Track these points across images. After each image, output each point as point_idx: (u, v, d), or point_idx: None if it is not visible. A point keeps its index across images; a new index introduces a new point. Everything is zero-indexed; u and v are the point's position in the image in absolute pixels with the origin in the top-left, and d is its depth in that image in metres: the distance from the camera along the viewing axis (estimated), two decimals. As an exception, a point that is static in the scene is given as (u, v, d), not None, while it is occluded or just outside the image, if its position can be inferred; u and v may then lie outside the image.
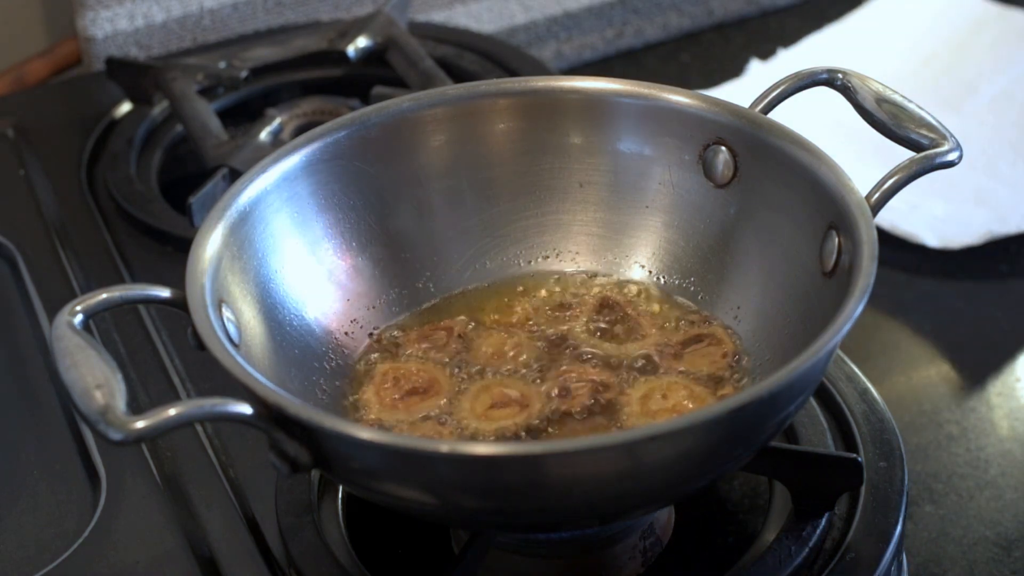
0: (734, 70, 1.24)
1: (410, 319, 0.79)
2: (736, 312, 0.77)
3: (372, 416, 0.73)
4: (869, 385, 0.82)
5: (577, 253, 0.82)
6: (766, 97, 0.77)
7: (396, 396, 0.74)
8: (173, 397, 0.86)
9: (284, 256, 0.75)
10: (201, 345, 0.65)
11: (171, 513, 0.78)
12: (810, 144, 0.73)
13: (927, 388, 0.94)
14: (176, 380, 0.87)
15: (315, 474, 0.76)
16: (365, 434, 0.62)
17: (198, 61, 1.12)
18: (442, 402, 0.73)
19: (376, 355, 0.77)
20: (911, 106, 0.74)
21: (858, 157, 0.90)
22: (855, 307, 0.64)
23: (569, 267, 0.82)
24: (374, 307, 0.79)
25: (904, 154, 0.72)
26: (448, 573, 0.69)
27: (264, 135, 1.06)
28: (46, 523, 0.79)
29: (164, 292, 0.68)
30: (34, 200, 1.06)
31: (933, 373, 0.95)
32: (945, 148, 0.71)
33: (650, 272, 0.80)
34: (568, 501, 0.63)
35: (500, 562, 0.72)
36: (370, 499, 0.70)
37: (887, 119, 0.73)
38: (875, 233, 0.67)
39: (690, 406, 0.71)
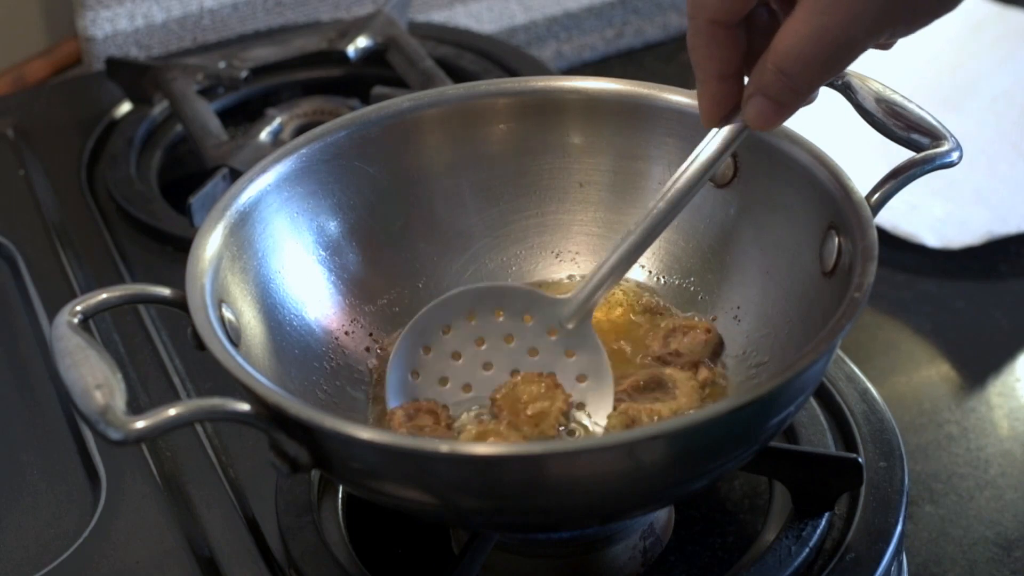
0: (734, 70, 1.24)
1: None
2: (736, 312, 0.76)
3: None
4: (869, 385, 0.82)
5: (577, 253, 0.82)
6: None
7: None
8: (173, 397, 0.86)
9: (284, 256, 0.75)
10: (201, 345, 0.65)
11: (171, 513, 0.78)
12: (810, 144, 0.73)
13: (927, 388, 0.94)
14: (176, 380, 0.87)
15: (315, 474, 0.76)
16: (365, 434, 0.62)
17: (198, 61, 1.12)
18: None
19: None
20: (911, 106, 0.74)
21: (858, 157, 0.90)
22: (855, 308, 0.64)
23: (569, 268, 0.81)
24: (374, 307, 0.79)
25: (904, 154, 0.72)
26: (448, 573, 0.69)
27: (264, 135, 1.06)
28: (46, 523, 0.79)
29: (164, 292, 0.68)
30: (34, 200, 1.06)
31: (933, 373, 0.95)
32: (945, 148, 0.71)
33: (650, 272, 0.80)
34: (568, 501, 0.63)
35: (500, 562, 0.72)
36: (370, 499, 0.70)
37: (887, 119, 0.73)
38: (875, 233, 0.67)
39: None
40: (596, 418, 0.72)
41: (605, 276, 0.72)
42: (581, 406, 0.73)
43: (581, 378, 0.73)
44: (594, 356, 0.73)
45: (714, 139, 0.69)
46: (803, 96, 0.63)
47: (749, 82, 0.65)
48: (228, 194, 0.73)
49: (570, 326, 0.73)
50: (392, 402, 0.73)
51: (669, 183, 0.70)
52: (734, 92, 0.66)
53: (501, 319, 0.74)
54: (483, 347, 0.74)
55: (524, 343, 0.74)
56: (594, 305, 0.73)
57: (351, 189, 0.78)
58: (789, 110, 0.64)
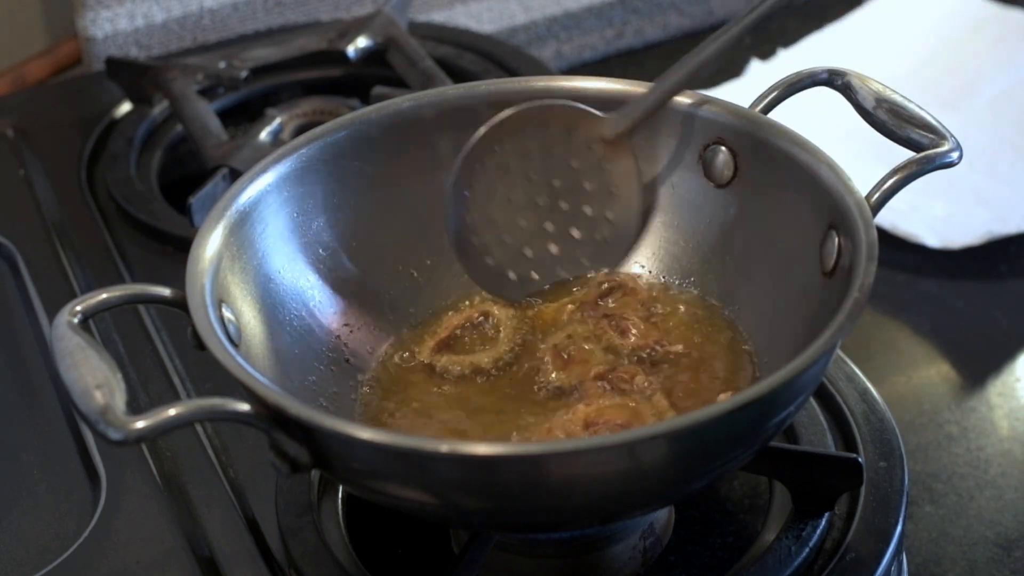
0: (734, 70, 1.24)
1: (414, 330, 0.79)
2: (736, 312, 0.76)
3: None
4: (869, 385, 0.82)
5: (577, 253, 0.82)
6: (766, 97, 0.77)
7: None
8: (173, 397, 0.86)
9: (284, 256, 0.75)
10: (201, 345, 0.65)
11: (171, 513, 0.78)
12: (810, 144, 0.73)
13: (927, 388, 0.94)
14: (176, 380, 0.87)
15: (315, 474, 0.76)
16: (365, 434, 0.62)
17: (198, 61, 1.12)
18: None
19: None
20: (911, 106, 0.74)
21: (858, 157, 0.90)
22: (855, 308, 0.64)
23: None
24: (374, 307, 0.79)
25: (904, 154, 0.72)
26: (448, 573, 0.69)
27: (264, 135, 1.06)
28: (46, 523, 0.79)
29: (164, 292, 0.68)
30: (34, 200, 1.06)
31: (933, 373, 0.95)
32: (945, 148, 0.71)
33: (650, 272, 0.80)
34: (568, 501, 0.63)
35: (500, 562, 0.72)
36: (370, 499, 0.70)
37: (887, 119, 0.73)
38: (875, 233, 0.67)
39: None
40: (620, 226, 0.79)
41: (653, 101, 0.77)
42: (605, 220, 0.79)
43: (613, 190, 0.79)
44: (628, 173, 0.78)
45: None
46: None
47: None
48: (228, 194, 0.73)
49: (610, 140, 0.78)
50: (450, 219, 0.78)
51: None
52: None
53: (549, 131, 0.78)
54: (529, 159, 0.78)
55: (566, 155, 0.79)
56: (636, 124, 0.77)
57: (351, 189, 0.78)
58: None
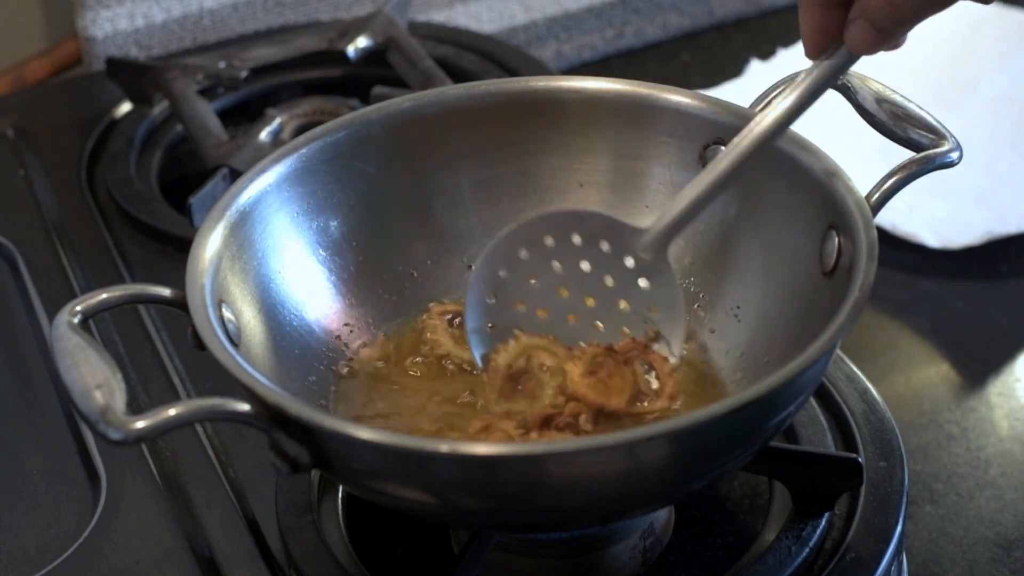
0: (734, 70, 1.24)
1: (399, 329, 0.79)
2: (736, 312, 0.77)
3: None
4: (869, 385, 0.82)
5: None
6: (766, 97, 0.77)
7: None
8: (173, 397, 0.86)
9: (284, 256, 0.75)
10: (201, 345, 0.65)
11: (171, 513, 0.78)
12: (810, 144, 0.73)
13: (927, 388, 0.94)
14: (176, 380, 0.87)
15: (315, 474, 0.76)
16: (365, 434, 0.62)
17: (198, 61, 1.13)
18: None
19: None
20: (911, 106, 0.74)
21: (858, 157, 0.90)
22: (855, 308, 0.64)
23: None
24: (374, 307, 0.79)
25: (904, 154, 0.72)
26: (448, 573, 0.69)
27: (264, 135, 1.06)
28: (46, 523, 0.79)
29: (164, 292, 0.68)
30: (34, 200, 1.06)
31: (933, 373, 0.95)
32: (945, 148, 0.71)
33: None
34: (568, 501, 0.63)
35: (500, 562, 0.72)
36: (370, 499, 0.70)
37: (887, 119, 0.73)
38: (875, 233, 0.67)
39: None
40: (673, 349, 0.73)
41: (687, 207, 0.72)
42: (657, 337, 0.74)
43: (654, 309, 0.74)
44: (668, 288, 0.74)
45: (816, 69, 0.69)
46: (906, 25, 0.63)
47: (854, 7, 0.64)
48: (228, 194, 0.74)
49: (647, 256, 0.73)
50: (470, 322, 0.74)
51: (768, 110, 0.70)
52: (836, 21, 0.65)
53: (578, 243, 0.74)
54: (559, 271, 0.75)
55: (600, 269, 0.74)
56: (672, 237, 0.73)
57: (351, 189, 0.78)
58: (889, 38, 0.64)
